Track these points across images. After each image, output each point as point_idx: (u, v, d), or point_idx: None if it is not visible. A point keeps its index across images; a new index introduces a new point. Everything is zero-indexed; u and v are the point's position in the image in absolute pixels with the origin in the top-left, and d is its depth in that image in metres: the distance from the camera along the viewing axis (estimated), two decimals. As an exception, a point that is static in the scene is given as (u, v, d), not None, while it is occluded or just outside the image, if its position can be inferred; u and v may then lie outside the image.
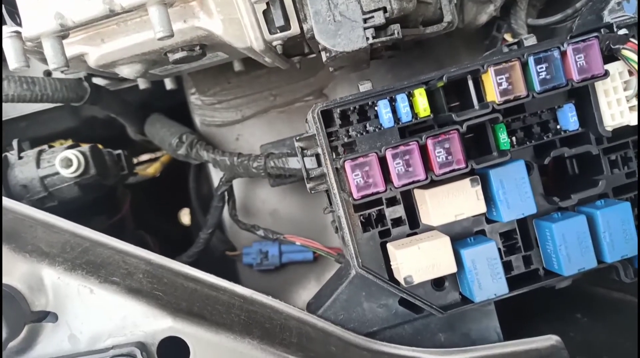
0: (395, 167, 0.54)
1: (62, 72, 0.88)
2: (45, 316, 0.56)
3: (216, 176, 0.99)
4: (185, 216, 1.44)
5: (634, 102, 0.58)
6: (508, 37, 0.80)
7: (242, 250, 0.97)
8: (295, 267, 0.99)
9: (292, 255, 0.96)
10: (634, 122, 0.58)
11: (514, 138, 0.60)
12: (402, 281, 0.56)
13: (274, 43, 0.62)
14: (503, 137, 0.57)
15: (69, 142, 0.96)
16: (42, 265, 0.56)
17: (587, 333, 0.67)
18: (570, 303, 0.72)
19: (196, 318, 0.54)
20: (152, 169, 1.13)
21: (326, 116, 0.58)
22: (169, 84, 0.93)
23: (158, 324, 0.54)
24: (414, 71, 0.94)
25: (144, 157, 1.20)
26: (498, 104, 0.54)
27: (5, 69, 0.66)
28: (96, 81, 0.91)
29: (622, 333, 0.65)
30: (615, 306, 0.70)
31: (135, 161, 1.20)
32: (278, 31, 0.61)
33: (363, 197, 0.54)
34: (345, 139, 0.58)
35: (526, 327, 0.67)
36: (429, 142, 0.54)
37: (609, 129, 0.58)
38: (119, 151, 0.87)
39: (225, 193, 0.91)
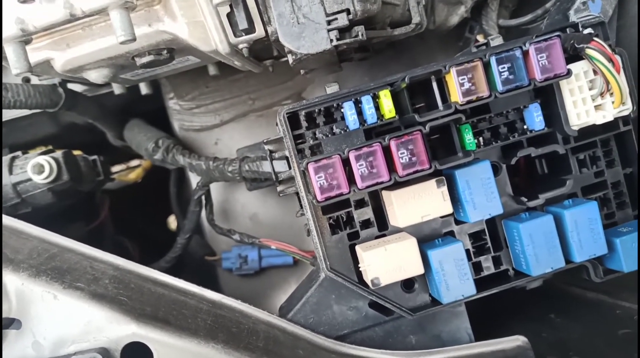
0: (359, 169, 0.53)
1: (39, 79, 0.89)
2: (10, 323, 0.55)
3: (195, 181, 0.99)
4: (174, 222, 1.44)
5: (600, 101, 0.58)
6: (480, 38, 0.80)
7: (222, 255, 0.96)
8: (275, 271, 0.98)
9: (272, 259, 0.96)
10: (600, 121, 0.58)
11: (480, 139, 0.60)
12: (369, 283, 0.56)
13: (240, 46, 0.62)
14: (469, 137, 0.57)
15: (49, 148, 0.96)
16: (5, 271, 0.55)
17: (560, 333, 0.66)
18: (545, 303, 0.72)
19: (160, 323, 0.54)
20: (134, 175, 1.13)
21: (294, 119, 0.58)
22: (144, 89, 0.93)
23: (122, 329, 0.53)
24: (391, 72, 0.93)
25: (134, 162, 1.20)
26: (461, 105, 0.54)
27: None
28: (74, 87, 0.90)
29: (595, 333, 0.65)
30: (589, 306, 0.70)
31: (125, 166, 1.20)
32: (243, 34, 0.60)
33: (327, 199, 0.54)
34: (312, 142, 0.58)
35: (500, 327, 0.67)
36: (392, 143, 0.53)
37: (575, 128, 0.58)
38: (94, 157, 0.87)
39: (203, 198, 0.90)
